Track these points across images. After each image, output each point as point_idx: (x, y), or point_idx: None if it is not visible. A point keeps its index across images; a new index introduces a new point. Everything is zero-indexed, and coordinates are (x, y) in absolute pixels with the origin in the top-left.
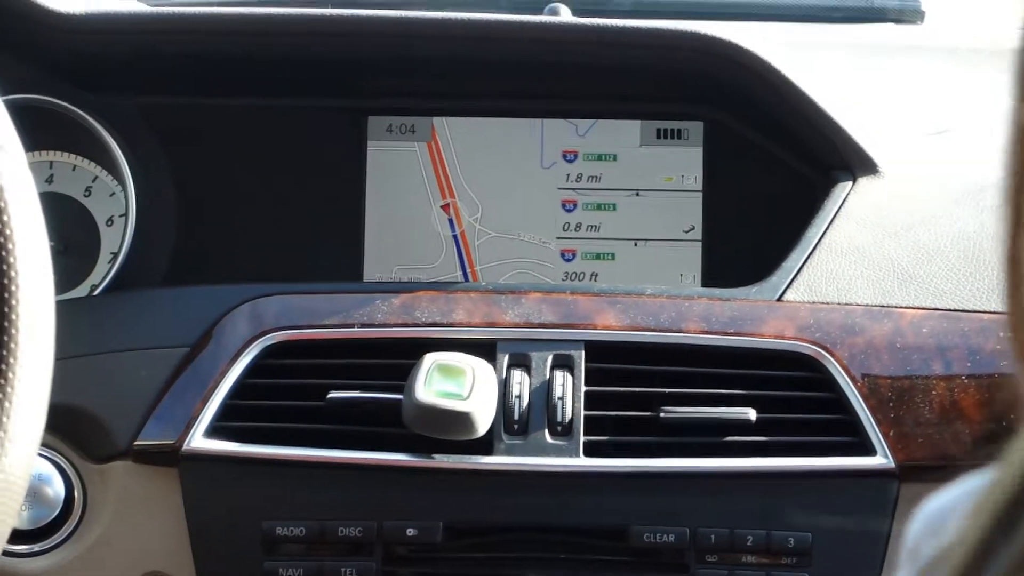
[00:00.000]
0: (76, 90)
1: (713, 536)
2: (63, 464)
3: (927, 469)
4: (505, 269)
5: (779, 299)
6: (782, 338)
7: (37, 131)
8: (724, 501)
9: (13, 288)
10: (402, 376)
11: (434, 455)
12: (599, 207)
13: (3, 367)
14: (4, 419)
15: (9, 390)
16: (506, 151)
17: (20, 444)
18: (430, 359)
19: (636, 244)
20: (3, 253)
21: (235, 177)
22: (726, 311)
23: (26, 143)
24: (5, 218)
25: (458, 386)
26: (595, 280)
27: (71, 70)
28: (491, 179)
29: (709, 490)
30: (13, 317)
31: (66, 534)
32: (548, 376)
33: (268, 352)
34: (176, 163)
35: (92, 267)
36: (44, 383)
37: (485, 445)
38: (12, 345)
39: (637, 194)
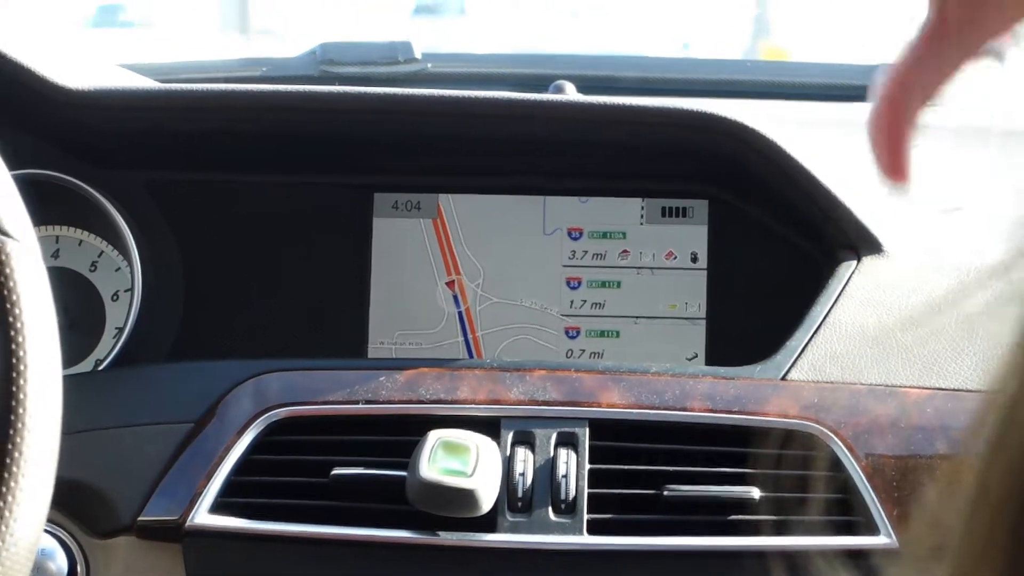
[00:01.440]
0: (83, 165)
1: None
2: (66, 539)
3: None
4: (509, 346)
5: (783, 378)
6: (786, 417)
7: (43, 205)
8: None
9: (22, 368)
10: (406, 453)
11: (438, 532)
12: (603, 284)
13: (11, 445)
14: (11, 495)
15: (16, 468)
16: (511, 228)
17: (26, 519)
18: (434, 436)
19: (640, 322)
20: (12, 334)
21: (241, 253)
22: (730, 390)
23: (33, 218)
24: (15, 306)
25: (462, 463)
26: (599, 357)
27: (78, 146)
28: (496, 256)
29: (713, 569)
30: (21, 396)
31: None
32: (552, 453)
33: (272, 428)
34: (182, 238)
35: (97, 342)
36: (51, 459)
37: (489, 522)
38: (20, 424)
39: (641, 272)
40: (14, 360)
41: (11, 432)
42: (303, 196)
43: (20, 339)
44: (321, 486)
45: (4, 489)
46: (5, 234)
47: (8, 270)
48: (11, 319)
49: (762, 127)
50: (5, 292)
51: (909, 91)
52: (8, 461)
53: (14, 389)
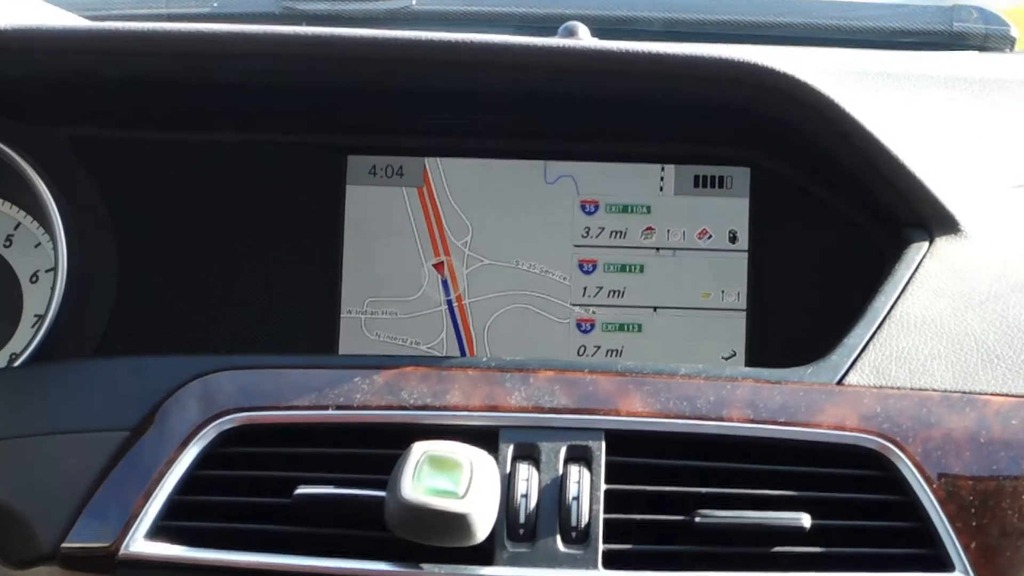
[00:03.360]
0: None
1: None
2: None
3: None
4: (510, 341)
5: (839, 382)
6: (843, 429)
7: None
8: None
9: None
10: (386, 469)
11: (422, 565)
12: (623, 268)
13: None
14: None
15: None
16: (512, 200)
17: None
18: (420, 449)
19: (667, 313)
20: None
21: (187, 226)
22: (776, 396)
23: None
24: None
25: (453, 482)
26: (618, 356)
27: None
28: (493, 233)
29: None
30: None
31: None
32: (561, 471)
33: (224, 438)
34: (116, 208)
35: (12, 332)
36: None
37: (485, 553)
38: None
39: (668, 254)
40: None
41: None
42: (261, 158)
43: None
44: (282, 508)
45: None
46: None
47: None
48: None
49: (816, 81)
50: None
51: None
52: None
53: None
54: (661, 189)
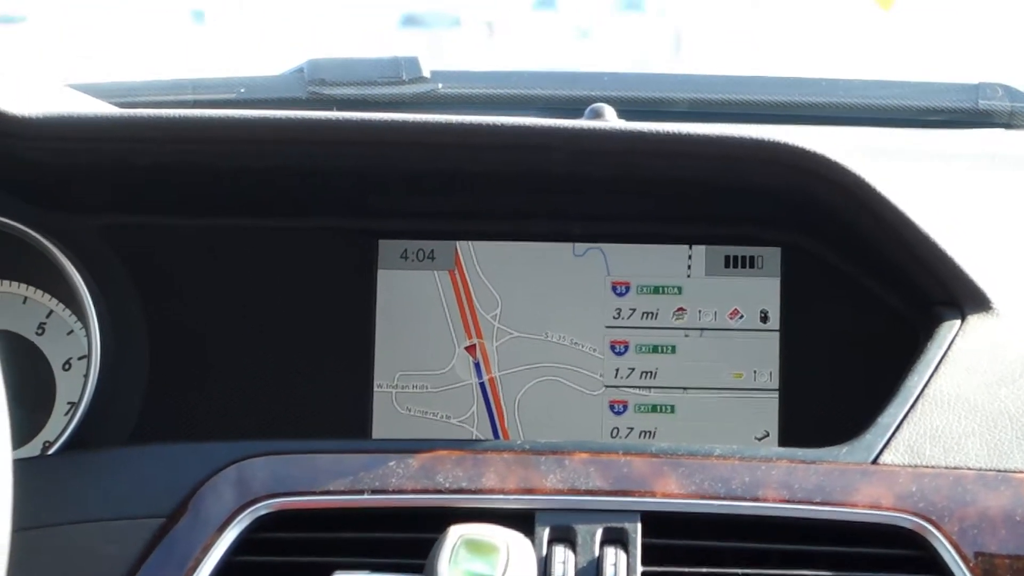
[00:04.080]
0: (28, 208)
1: None
2: None
3: None
4: (543, 424)
5: (874, 462)
6: (879, 509)
7: None
8: None
9: None
10: (422, 553)
11: None
12: (655, 350)
13: None
14: None
15: None
16: (543, 282)
17: None
18: (456, 533)
19: (699, 394)
20: None
21: (218, 313)
22: (811, 476)
23: None
24: None
25: (490, 566)
26: (651, 437)
27: (22, 184)
28: (526, 316)
29: None
30: None
31: None
32: (597, 554)
33: (260, 524)
34: (148, 296)
35: (46, 420)
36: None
37: None
38: None
39: (701, 334)
40: None
41: None
42: (292, 244)
43: None
44: None
45: None
46: None
47: None
48: None
49: (847, 161)
50: None
51: None
52: None
53: None
54: (689, 268)
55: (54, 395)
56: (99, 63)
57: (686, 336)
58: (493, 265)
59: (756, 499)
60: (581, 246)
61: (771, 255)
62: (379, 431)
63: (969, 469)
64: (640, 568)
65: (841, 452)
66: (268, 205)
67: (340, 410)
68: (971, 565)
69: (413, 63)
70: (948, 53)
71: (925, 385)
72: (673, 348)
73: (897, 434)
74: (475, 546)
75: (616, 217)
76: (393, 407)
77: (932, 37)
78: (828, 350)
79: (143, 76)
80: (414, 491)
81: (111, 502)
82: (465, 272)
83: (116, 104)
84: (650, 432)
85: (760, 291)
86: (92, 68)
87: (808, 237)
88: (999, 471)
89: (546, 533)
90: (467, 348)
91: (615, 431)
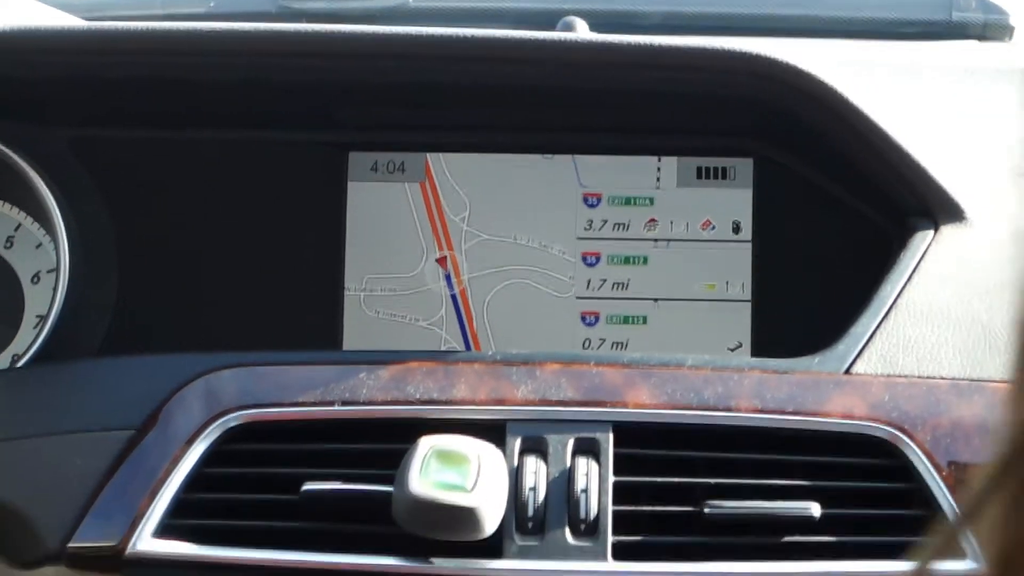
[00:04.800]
0: None
1: None
2: None
3: None
4: (514, 335)
5: (847, 371)
6: (851, 418)
7: None
8: None
9: None
10: (393, 464)
11: (432, 559)
12: (627, 261)
13: None
14: None
15: None
16: (514, 194)
17: None
18: (427, 443)
19: (672, 305)
20: None
21: (188, 225)
22: (783, 386)
23: None
24: None
25: (461, 476)
26: (623, 348)
27: None
28: (496, 227)
29: None
30: None
31: None
32: (569, 464)
33: (229, 435)
34: (117, 209)
35: (14, 334)
36: None
37: (493, 547)
38: None
39: (673, 245)
40: None
41: None
42: (262, 156)
43: None
44: (289, 504)
45: None
46: None
47: None
48: None
49: (820, 71)
50: None
51: None
52: None
53: None
54: (658, 180)
55: (23, 308)
56: None
57: (658, 247)
58: (464, 176)
59: (728, 409)
60: (552, 157)
61: (743, 166)
62: (349, 335)
63: (942, 379)
64: (612, 478)
65: (814, 362)
66: (238, 118)
67: (310, 317)
68: (944, 473)
69: None
70: None
71: (898, 295)
72: (645, 259)
73: (870, 344)
74: (446, 456)
75: (588, 128)
76: (362, 311)
77: None
78: (800, 261)
79: None
80: (385, 402)
81: (80, 415)
82: (436, 183)
83: (85, 18)
84: (622, 343)
85: (732, 202)
86: None
87: (780, 148)
88: (972, 380)
89: (517, 443)
90: (438, 260)
91: (587, 342)
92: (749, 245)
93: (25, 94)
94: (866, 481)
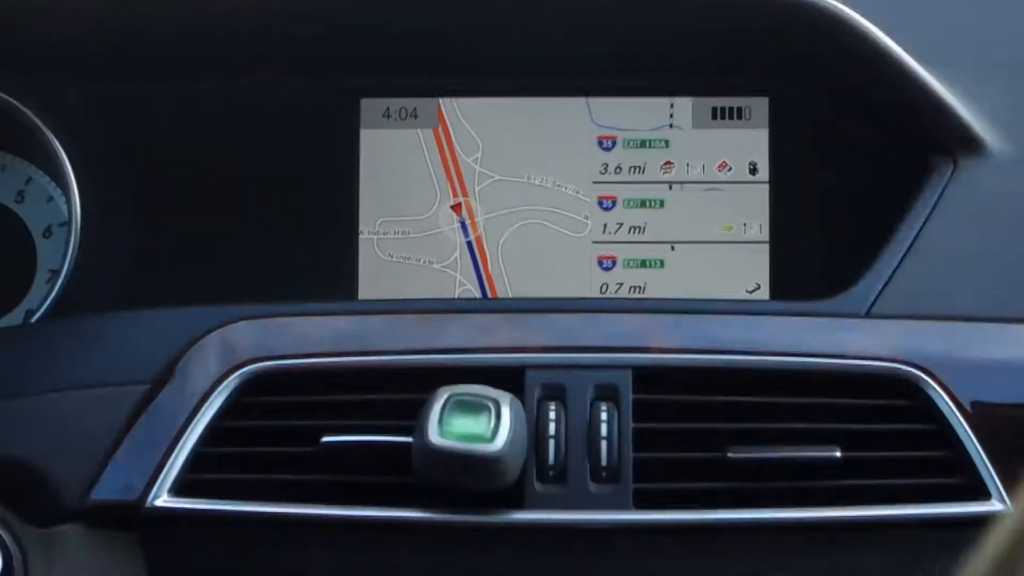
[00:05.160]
0: (5, 73)
1: None
2: None
3: None
4: (530, 281)
5: (867, 313)
6: (873, 359)
7: None
8: (810, 559)
9: None
10: (412, 414)
11: (453, 509)
12: (643, 204)
13: None
14: None
15: None
16: (528, 137)
17: None
18: (445, 392)
19: (689, 248)
20: None
21: (200, 176)
22: (803, 328)
23: None
24: None
25: (480, 425)
26: (641, 292)
27: (0, 50)
28: (510, 169)
29: (790, 546)
30: None
31: None
32: (589, 410)
33: (246, 387)
34: (129, 161)
35: (27, 288)
36: None
37: (514, 496)
38: None
39: (689, 187)
40: None
41: None
42: (273, 104)
43: None
44: (308, 456)
45: None
46: None
47: None
48: None
49: (833, 2)
50: None
51: None
52: None
53: None
54: (671, 118)
55: (35, 263)
56: None
57: (674, 190)
58: (477, 120)
59: (748, 352)
60: (566, 100)
61: (759, 106)
62: (364, 279)
63: (964, 319)
64: (632, 424)
65: (833, 303)
66: (248, 67)
67: (326, 262)
68: (967, 413)
69: None
70: None
71: (918, 234)
72: (661, 202)
73: (890, 284)
74: (465, 405)
75: (600, 69)
76: (376, 254)
77: None
78: (818, 201)
79: None
80: (402, 351)
81: (95, 369)
82: (450, 129)
83: None
84: (640, 287)
85: (748, 143)
86: None
87: (796, 86)
88: (995, 319)
89: (537, 391)
90: (453, 207)
91: (604, 287)
92: (766, 186)
93: (36, 47)
94: (888, 423)
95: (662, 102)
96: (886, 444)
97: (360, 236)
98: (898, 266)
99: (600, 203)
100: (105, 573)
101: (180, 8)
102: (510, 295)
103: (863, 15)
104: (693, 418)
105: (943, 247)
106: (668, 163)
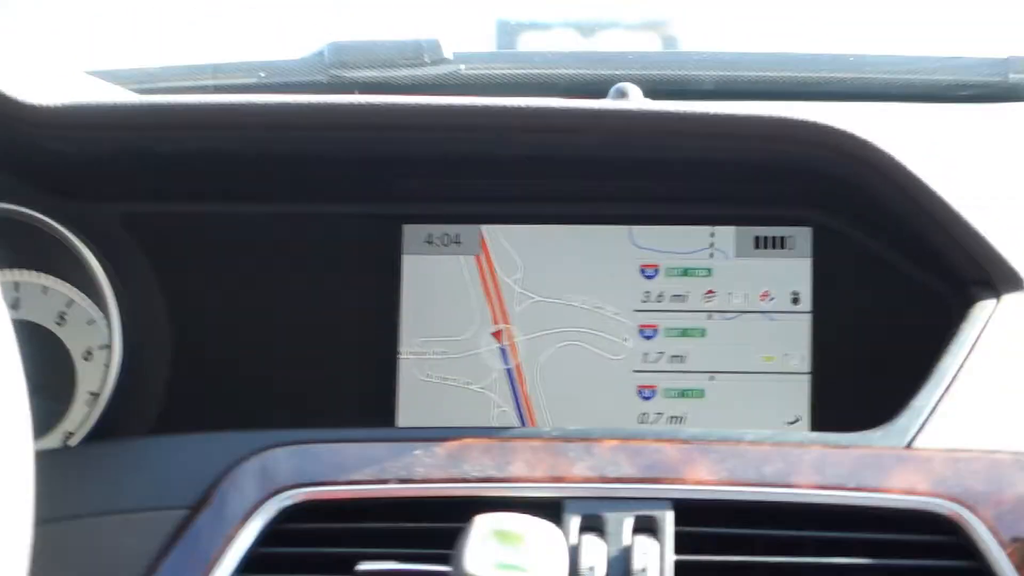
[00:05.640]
0: (47, 197)
1: None
2: None
3: None
4: (570, 410)
5: (908, 446)
6: (914, 494)
7: None
8: None
9: None
10: (448, 543)
11: None
12: (684, 333)
13: None
14: None
15: None
16: (570, 266)
17: None
18: (483, 522)
19: (729, 379)
20: None
21: (240, 300)
22: (844, 461)
23: None
24: None
25: (518, 555)
26: (680, 423)
27: (44, 173)
28: (552, 294)
29: None
30: None
31: None
32: (628, 543)
33: (285, 515)
34: (169, 284)
35: (66, 410)
36: (23, 558)
37: None
38: None
39: (731, 317)
40: None
41: None
42: (315, 230)
43: None
44: None
45: None
46: None
47: None
48: None
49: (876, 138)
50: None
51: None
52: None
53: None
54: (712, 247)
55: (75, 385)
56: (117, 48)
57: (716, 319)
58: (519, 246)
59: (789, 485)
60: (609, 228)
61: (802, 235)
62: (403, 399)
63: (1007, 453)
64: (672, 557)
65: (875, 436)
66: (290, 191)
67: (365, 384)
68: (1008, 551)
69: (434, 45)
70: (977, 27)
71: (960, 367)
72: (703, 332)
73: (932, 417)
74: (503, 536)
75: (643, 198)
76: (415, 375)
77: (960, 10)
78: (861, 332)
79: (162, 61)
80: (441, 480)
81: (133, 494)
82: (491, 256)
83: (135, 90)
84: (680, 418)
85: (791, 272)
86: (111, 53)
87: (839, 217)
88: None
89: (576, 522)
90: (493, 333)
91: (644, 417)
92: (808, 316)
93: (76, 170)
94: (930, 559)
95: (704, 231)
96: None
97: (400, 357)
98: (940, 399)
99: (641, 332)
100: None
101: (220, 135)
102: (548, 419)
103: (901, 152)
104: (732, 550)
105: (986, 380)
106: (710, 291)
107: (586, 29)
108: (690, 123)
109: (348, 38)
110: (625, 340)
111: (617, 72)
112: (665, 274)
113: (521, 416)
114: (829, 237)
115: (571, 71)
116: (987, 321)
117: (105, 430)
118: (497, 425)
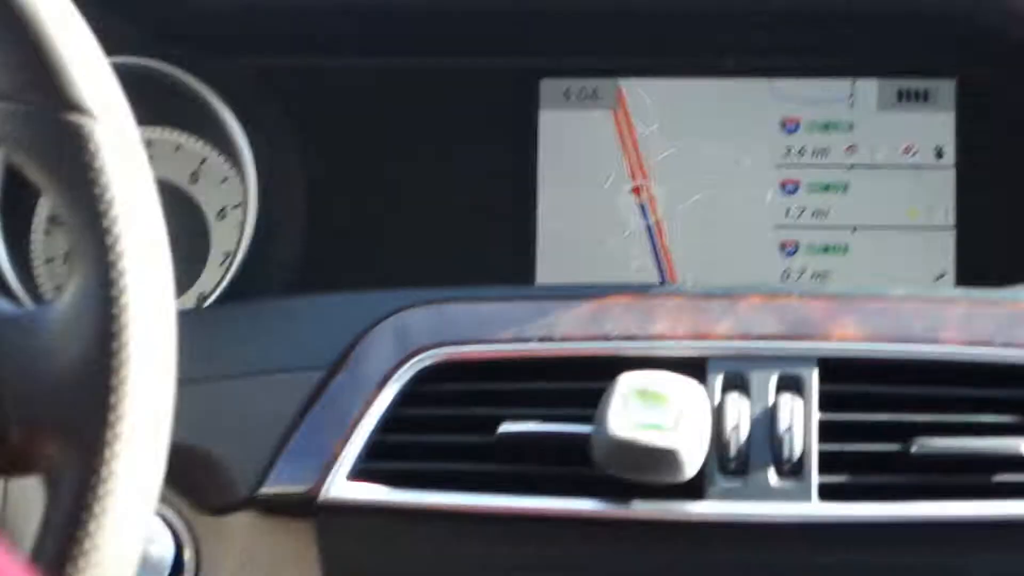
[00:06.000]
0: (179, 50)
1: None
2: (171, 517)
3: None
4: (711, 267)
5: None
6: None
7: (130, 102)
8: (997, 555)
9: (124, 296)
10: (592, 403)
11: (632, 502)
12: (827, 188)
13: (114, 397)
14: (116, 465)
15: (123, 429)
16: (711, 120)
17: (135, 498)
18: (626, 381)
19: (873, 233)
20: (111, 249)
21: (377, 157)
22: (993, 316)
23: None
24: (110, 207)
25: (661, 415)
26: (824, 279)
27: (174, 25)
28: (693, 154)
29: (979, 543)
30: (125, 335)
31: None
32: (772, 401)
33: (424, 375)
34: (305, 140)
35: (200, 271)
36: (165, 419)
37: (695, 489)
38: (125, 371)
39: (873, 171)
40: (116, 286)
41: (114, 381)
42: (451, 85)
43: (120, 257)
44: (486, 446)
45: (109, 458)
46: (83, 111)
47: (97, 161)
48: (106, 227)
49: None
50: (96, 190)
51: None
52: (112, 419)
53: (116, 326)
54: (851, 98)
55: (209, 245)
56: None
57: (857, 173)
58: (657, 100)
59: (937, 341)
60: (749, 80)
61: (945, 88)
62: (542, 262)
63: None
64: (817, 415)
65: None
66: (426, 45)
67: (503, 246)
68: None
69: None
70: None
71: None
72: (845, 186)
73: None
74: (646, 395)
75: (782, 50)
76: (554, 236)
77: None
78: (1008, 185)
79: None
80: (582, 338)
81: (270, 355)
82: (629, 110)
83: None
84: (822, 274)
85: (934, 126)
86: None
87: (983, 68)
88: None
89: (719, 380)
90: (632, 190)
91: (787, 273)
92: (952, 170)
93: (210, 23)
94: None
95: (846, 82)
96: None
97: (538, 214)
98: None
99: (783, 187)
100: (277, 562)
101: None
102: (688, 276)
103: None
104: (878, 409)
105: None
106: (852, 146)
107: None
108: None
109: None
110: (767, 195)
111: None
112: (806, 129)
113: (661, 272)
114: (973, 90)
115: None
116: None
117: (240, 291)
118: (637, 282)
